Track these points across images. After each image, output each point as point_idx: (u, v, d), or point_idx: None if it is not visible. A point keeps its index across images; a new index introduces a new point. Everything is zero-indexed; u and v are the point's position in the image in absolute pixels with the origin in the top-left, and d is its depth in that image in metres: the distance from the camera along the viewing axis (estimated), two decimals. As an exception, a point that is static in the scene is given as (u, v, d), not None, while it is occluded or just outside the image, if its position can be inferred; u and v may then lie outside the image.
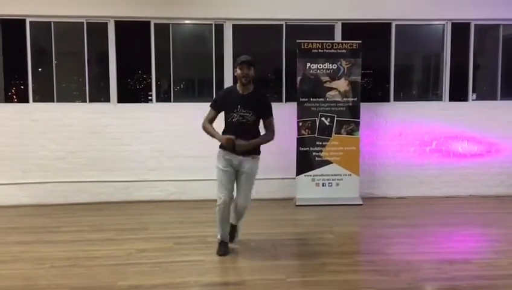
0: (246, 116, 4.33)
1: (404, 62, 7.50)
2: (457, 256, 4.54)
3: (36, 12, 6.70)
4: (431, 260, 4.41)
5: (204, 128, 4.49)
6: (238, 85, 4.44)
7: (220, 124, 4.52)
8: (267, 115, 4.47)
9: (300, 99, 6.67)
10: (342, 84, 6.71)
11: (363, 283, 3.96)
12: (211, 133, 4.43)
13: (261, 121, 4.49)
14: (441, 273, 4.09)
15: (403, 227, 5.60)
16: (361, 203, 6.67)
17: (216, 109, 4.51)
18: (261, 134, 4.52)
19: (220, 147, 4.47)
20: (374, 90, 7.67)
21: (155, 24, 6.90)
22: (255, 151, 4.45)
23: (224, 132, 4.42)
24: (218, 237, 4.64)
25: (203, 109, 6.89)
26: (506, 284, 3.86)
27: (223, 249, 4.59)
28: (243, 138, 4.29)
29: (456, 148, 7.20)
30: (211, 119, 4.51)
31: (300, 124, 6.66)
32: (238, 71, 4.32)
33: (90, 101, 6.96)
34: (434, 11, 7.06)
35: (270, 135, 4.50)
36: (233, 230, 4.78)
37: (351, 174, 6.75)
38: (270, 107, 4.51)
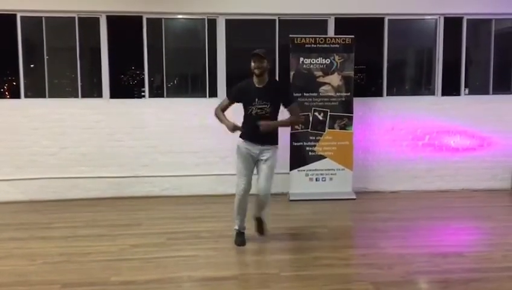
0: (264, 108, 4.43)
1: (397, 57, 7.50)
2: (450, 249, 4.57)
3: (27, 7, 6.64)
4: (424, 254, 4.43)
5: (215, 114, 4.62)
6: (254, 79, 4.49)
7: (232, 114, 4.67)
8: (288, 103, 4.56)
9: (294, 94, 6.65)
10: (335, 79, 6.71)
11: (357, 276, 3.97)
12: (220, 119, 4.56)
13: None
14: (433, 266, 4.11)
15: (395, 221, 5.63)
16: (354, 197, 6.69)
17: (230, 98, 4.64)
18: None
19: (240, 136, 4.57)
20: (367, 85, 7.68)
21: (147, 19, 6.86)
22: (273, 141, 4.55)
23: (243, 124, 4.53)
24: (236, 227, 4.74)
25: (196, 104, 7.01)
26: (498, 276, 3.88)
27: (240, 239, 4.72)
28: (258, 129, 4.37)
29: (449, 142, 7.23)
30: (223, 107, 4.64)
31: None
32: (252, 63, 4.39)
33: (83, 96, 6.92)
34: (427, 6, 7.07)
35: (296, 117, 4.70)
36: (260, 223, 4.82)
37: (344, 169, 6.77)
38: (290, 95, 4.72)
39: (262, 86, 4.46)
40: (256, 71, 4.38)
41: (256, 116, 4.42)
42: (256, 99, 4.42)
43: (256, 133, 4.39)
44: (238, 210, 4.63)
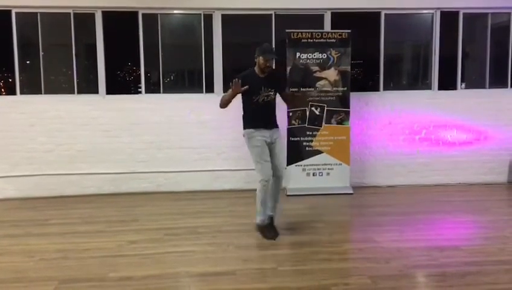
0: (269, 95, 4.74)
1: (393, 51, 7.50)
2: (446, 243, 4.58)
3: (22, 2, 6.61)
4: (421, 247, 4.45)
5: (221, 101, 4.76)
6: (257, 70, 4.76)
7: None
8: (283, 89, 5.07)
9: (290, 89, 6.65)
10: (331, 74, 6.70)
11: (354, 270, 3.98)
12: (225, 98, 4.71)
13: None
14: (430, 260, 4.12)
15: (393, 215, 5.64)
16: (351, 192, 6.70)
17: None
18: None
19: (247, 127, 4.75)
20: (363, 79, 7.68)
21: (143, 14, 6.83)
22: (276, 124, 4.89)
23: (247, 113, 4.79)
24: (258, 221, 4.77)
25: (193, 99, 7.00)
26: (494, 269, 3.89)
27: (272, 231, 4.78)
28: (267, 114, 4.78)
29: (445, 136, 7.24)
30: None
31: (291, 114, 6.65)
32: (262, 61, 4.66)
33: (79, 93, 6.90)
34: (423, 0, 7.06)
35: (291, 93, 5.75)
36: (272, 225, 4.87)
37: (341, 164, 6.77)
38: (286, 82, 5.35)
39: (264, 76, 4.75)
40: (265, 70, 4.71)
41: (263, 103, 4.71)
42: (263, 88, 4.70)
43: (265, 118, 4.75)
44: (262, 202, 4.68)
